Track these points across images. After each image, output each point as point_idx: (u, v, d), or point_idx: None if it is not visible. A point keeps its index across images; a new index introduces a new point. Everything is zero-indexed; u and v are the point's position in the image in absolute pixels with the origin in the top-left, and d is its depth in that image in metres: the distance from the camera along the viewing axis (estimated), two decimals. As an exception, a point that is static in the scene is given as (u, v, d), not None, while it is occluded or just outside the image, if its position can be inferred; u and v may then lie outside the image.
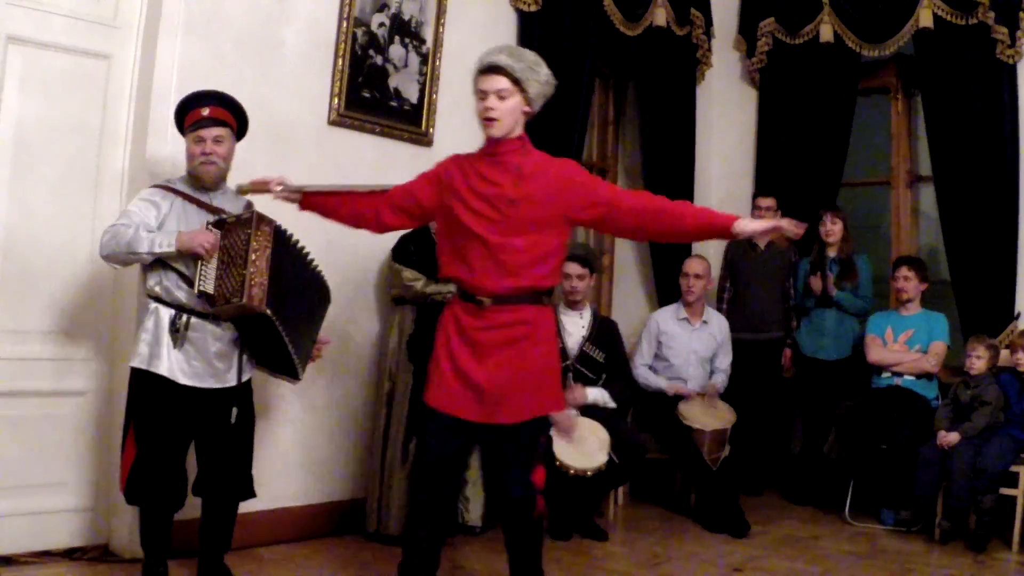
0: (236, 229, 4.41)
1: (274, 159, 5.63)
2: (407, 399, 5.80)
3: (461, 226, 4.11)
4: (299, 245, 4.76)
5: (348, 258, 5.98)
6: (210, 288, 4.36)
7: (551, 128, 6.93)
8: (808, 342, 7.29)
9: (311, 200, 4.45)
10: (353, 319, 6.11)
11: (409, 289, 5.84)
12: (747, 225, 4.05)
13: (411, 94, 6.36)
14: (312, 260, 4.86)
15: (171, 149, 5.18)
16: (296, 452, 5.83)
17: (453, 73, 6.55)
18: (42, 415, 5.12)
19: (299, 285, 4.71)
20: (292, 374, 4.74)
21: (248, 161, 5.28)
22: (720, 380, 7.04)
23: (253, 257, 4.31)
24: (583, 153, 7.42)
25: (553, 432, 5.91)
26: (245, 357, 4.69)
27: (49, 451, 5.11)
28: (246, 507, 4.90)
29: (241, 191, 4.44)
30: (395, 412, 5.87)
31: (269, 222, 4.49)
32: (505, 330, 4.08)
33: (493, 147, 4.18)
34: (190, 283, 4.45)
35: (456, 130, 6.55)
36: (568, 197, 4.14)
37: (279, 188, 4.37)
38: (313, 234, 5.48)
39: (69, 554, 5.14)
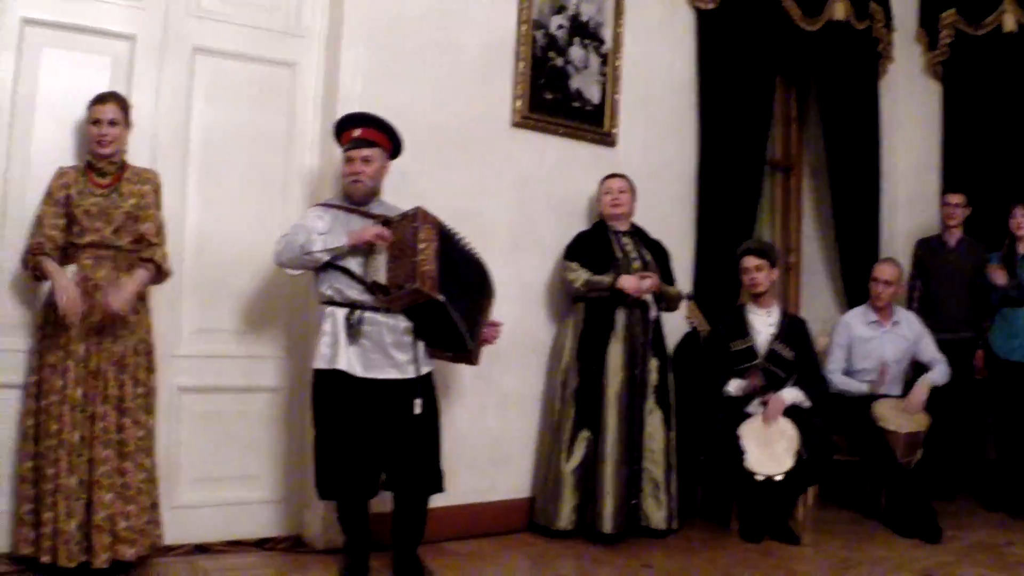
0: (402, 224, 4.58)
1: (459, 161, 5.71)
2: (574, 397, 5.84)
3: None
4: (462, 239, 4.87)
5: (536, 256, 6.05)
6: (382, 279, 4.56)
7: (734, 127, 6.90)
8: (1000, 342, 7.02)
9: None
10: (540, 316, 6.14)
11: (570, 285, 5.90)
12: None
13: (592, 95, 6.35)
14: (475, 252, 4.95)
15: None
16: (484, 448, 5.88)
17: (634, 72, 6.54)
18: (235, 410, 5.33)
19: (465, 274, 4.83)
20: (466, 358, 4.91)
21: (434, 164, 5.38)
22: (940, 372, 6.79)
23: (422, 246, 4.46)
24: (767, 151, 7.31)
25: (741, 432, 5.87)
26: (423, 348, 4.83)
27: (242, 445, 5.30)
28: (436, 502, 4.95)
29: None
30: (566, 408, 5.89)
31: (433, 218, 4.64)
32: None
33: None
34: (360, 281, 4.65)
35: (640, 129, 6.55)
36: None
37: None
38: (497, 233, 5.58)
39: (261, 544, 5.32)
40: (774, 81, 7.47)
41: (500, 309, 5.66)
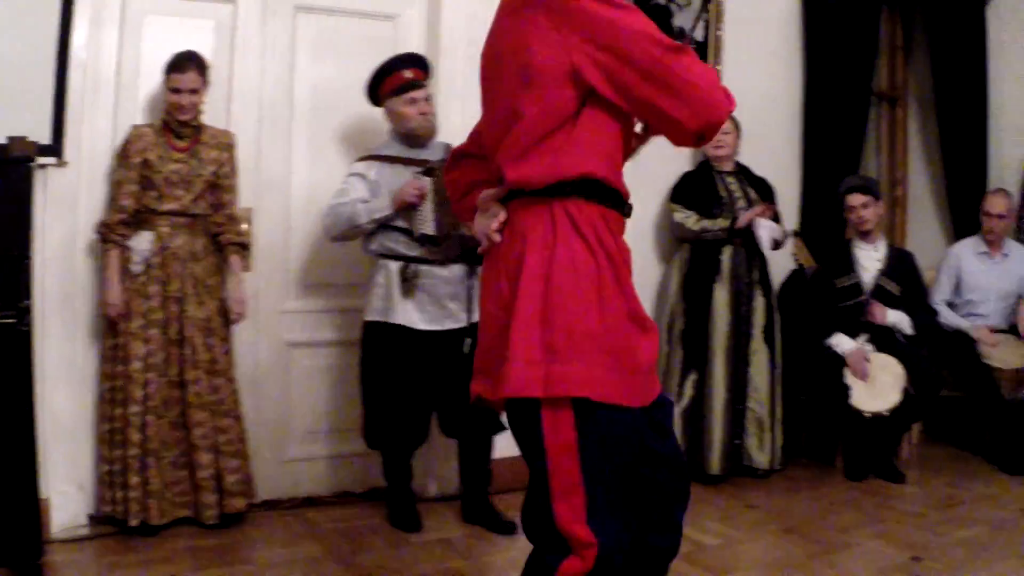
0: (443, 171, 4.54)
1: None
2: (681, 338, 5.89)
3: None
4: None
5: (642, 195, 5.86)
6: (431, 229, 4.60)
7: (839, 58, 6.81)
8: (1114, 272, 6.88)
9: None
10: (648, 256, 6.21)
11: (680, 228, 5.91)
12: None
13: (696, 32, 6.31)
14: None
15: (462, 103, 5.33)
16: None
17: (736, 7, 6.48)
18: (342, 364, 5.40)
19: None
20: None
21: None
22: None
23: None
24: (872, 81, 7.23)
25: (845, 369, 5.88)
26: (476, 296, 4.84)
27: (349, 397, 5.30)
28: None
29: None
30: (674, 350, 5.96)
31: None
32: None
33: None
34: (410, 235, 4.69)
35: (744, 65, 6.50)
36: None
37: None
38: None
39: (368, 495, 5.41)
40: (879, 9, 7.34)
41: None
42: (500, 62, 2.58)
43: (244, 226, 4.91)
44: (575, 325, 2.32)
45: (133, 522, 4.51)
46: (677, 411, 5.81)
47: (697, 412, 5.82)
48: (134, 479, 4.52)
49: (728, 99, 2.38)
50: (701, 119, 2.35)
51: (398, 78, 4.81)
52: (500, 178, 2.52)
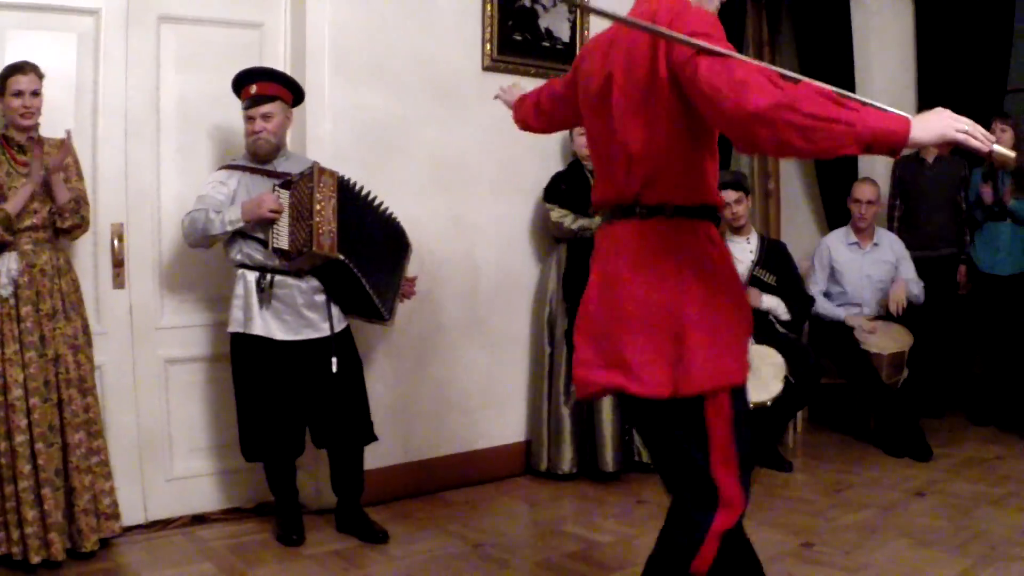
0: (301, 185, 4.57)
1: (436, 108, 5.67)
2: (565, 338, 5.82)
3: None
4: (365, 192, 4.85)
5: (516, 197, 6.04)
6: (284, 244, 4.58)
7: (705, 54, 6.82)
8: (983, 257, 7.02)
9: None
10: (523, 257, 6.17)
11: (558, 227, 5.88)
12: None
13: (562, 32, 6.29)
14: (382, 206, 4.93)
15: (329, 111, 5.32)
16: (475, 393, 5.92)
17: (603, 5, 6.45)
18: (221, 378, 5.24)
19: (371, 231, 4.82)
20: (379, 317, 4.90)
21: (412, 112, 5.41)
22: (917, 288, 6.78)
23: (318, 207, 4.47)
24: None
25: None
26: (335, 306, 4.85)
27: (231, 412, 5.10)
28: (430, 452, 5.01)
29: None
30: (556, 350, 5.92)
31: (331, 173, 4.63)
32: None
33: None
34: (267, 246, 4.65)
35: (611, 65, 6.48)
36: None
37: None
38: (478, 178, 5.55)
39: (258, 510, 5.31)
40: (744, 4, 7.40)
41: (484, 251, 5.68)
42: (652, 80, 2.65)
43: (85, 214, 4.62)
44: (732, 327, 2.68)
45: (35, 559, 4.27)
46: (566, 410, 5.83)
47: (588, 412, 5.82)
48: (31, 513, 4.28)
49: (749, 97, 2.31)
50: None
51: (245, 93, 4.80)
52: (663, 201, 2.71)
